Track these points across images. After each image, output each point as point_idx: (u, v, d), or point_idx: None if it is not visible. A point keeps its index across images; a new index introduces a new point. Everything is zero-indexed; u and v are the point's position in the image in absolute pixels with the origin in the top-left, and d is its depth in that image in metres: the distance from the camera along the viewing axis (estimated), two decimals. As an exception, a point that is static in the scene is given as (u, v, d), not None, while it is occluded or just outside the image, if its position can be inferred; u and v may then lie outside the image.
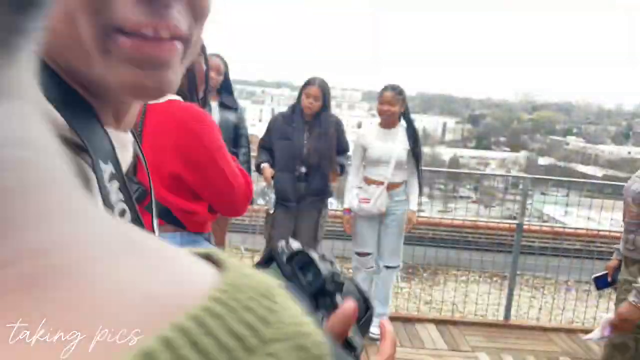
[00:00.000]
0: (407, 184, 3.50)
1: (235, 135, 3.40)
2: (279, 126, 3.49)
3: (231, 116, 3.38)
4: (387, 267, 3.58)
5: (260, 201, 3.42)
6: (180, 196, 1.55)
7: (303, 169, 3.44)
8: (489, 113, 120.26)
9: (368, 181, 3.48)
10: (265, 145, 3.53)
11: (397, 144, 3.42)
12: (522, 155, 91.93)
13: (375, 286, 3.68)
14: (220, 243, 3.53)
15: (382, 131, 3.50)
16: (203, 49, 1.82)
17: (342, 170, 3.61)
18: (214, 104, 3.32)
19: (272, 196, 3.39)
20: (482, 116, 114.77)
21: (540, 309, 4.62)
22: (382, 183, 3.40)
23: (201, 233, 1.66)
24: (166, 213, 1.52)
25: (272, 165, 3.47)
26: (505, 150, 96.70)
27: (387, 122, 3.47)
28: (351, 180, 3.59)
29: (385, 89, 3.42)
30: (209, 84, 3.03)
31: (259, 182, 3.66)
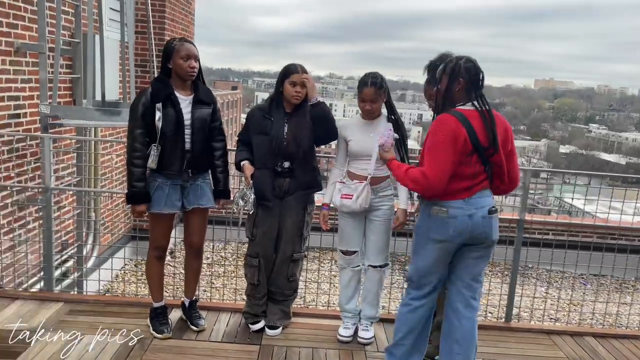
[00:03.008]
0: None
1: (210, 129, 3.17)
2: (257, 121, 3.24)
3: (205, 111, 3.13)
4: (373, 267, 3.31)
5: (241, 202, 3.18)
6: None
7: (286, 164, 3.20)
8: (509, 101, 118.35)
9: (351, 176, 3.23)
10: (244, 140, 3.30)
11: (378, 136, 3.14)
12: (542, 143, 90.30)
13: (363, 287, 3.43)
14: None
15: (363, 122, 3.23)
16: None
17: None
18: (187, 100, 3.07)
19: (252, 196, 3.18)
20: (502, 104, 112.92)
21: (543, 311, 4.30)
22: (365, 178, 3.14)
23: None
24: None
25: (252, 163, 3.24)
26: (525, 139, 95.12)
27: (371, 117, 3.21)
28: (334, 173, 3.34)
29: (365, 83, 3.09)
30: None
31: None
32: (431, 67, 2.89)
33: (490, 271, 6.99)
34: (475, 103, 2.53)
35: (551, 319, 5.83)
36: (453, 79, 2.54)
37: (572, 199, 4.58)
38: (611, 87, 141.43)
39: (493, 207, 2.62)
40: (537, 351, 3.46)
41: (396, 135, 2.96)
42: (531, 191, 3.91)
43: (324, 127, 3.20)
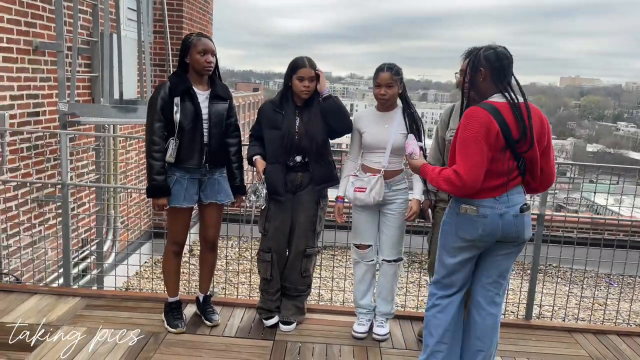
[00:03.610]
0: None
1: (226, 125, 3.16)
2: (268, 115, 3.22)
3: (222, 107, 3.14)
4: (387, 261, 3.26)
5: (253, 197, 3.16)
6: None
7: (299, 158, 3.17)
8: (534, 99, 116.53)
9: (365, 169, 3.19)
10: (257, 135, 3.28)
11: (393, 128, 3.10)
12: (569, 142, 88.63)
13: (377, 282, 3.38)
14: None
15: (377, 114, 3.18)
16: None
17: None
18: (204, 94, 3.08)
19: (264, 191, 3.16)
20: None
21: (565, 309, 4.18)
22: (378, 171, 3.10)
23: None
24: None
25: (264, 158, 3.22)
26: (551, 138, 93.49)
27: (384, 105, 3.16)
28: (348, 166, 3.30)
29: (381, 69, 3.09)
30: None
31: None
32: (467, 56, 2.73)
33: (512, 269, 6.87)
34: (506, 94, 2.37)
35: (575, 318, 5.69)
36: (475, 71, 2.41)
37: (594, 193, 4.42)
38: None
39: (525, 204, 2.47)
40: (558, 349, 3.36)
41: (421, 144, 2.81)
42: (551, 191, 3.78)
43: (337, 120, 3.14)
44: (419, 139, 3.07)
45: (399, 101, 3.17)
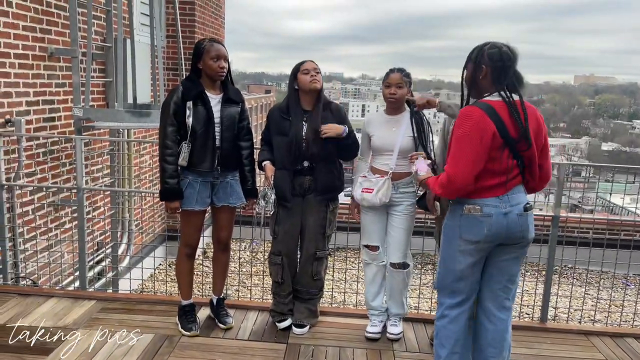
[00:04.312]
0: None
1: (238, 129, 3.19)
2: (276, 120, 3.24)
3: (234, 110, 3.17)
4: (393, 266, 3.27)
5: (262, 202, 3.18)
6: None
7: (306, 163, 3.18)
8: (548, 98, 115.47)
9: (373, 170, 3.23)
10: (267, 139, 3.30)
11: (401, 131, 3.13)
12: (583, 141, 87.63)
13: (387, 286, 3.38)
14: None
15: (386, 118, 3.23)
16: None
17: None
18: (216, 99, 3.10)
19: (273, 196, 3.17)
20: (540, 102, 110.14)
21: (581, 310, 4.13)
22: (386, 173, 3.14)
23: None
24: None
25: (274, 163, 3.24)
26: (565, 136, 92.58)
27: (393, 108, 3.20)
28: (360, 166, 3.36)
29: (392, 70, 3.18)
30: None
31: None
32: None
33: (525, 270, 6.80)
34: (502, 93, 2.34)
35: (591, 320, 5.62)
36: (476, 67, 2.38)
37: (610, 194, 4.36)
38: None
39: (528, 203, 2.44)
40: (573, 352, 3.32)
41: (429, 161, 2.79)
42: (565, 191, 3.74)
43: (348, 154, 3.30)
44: (426, 142, 3.08)
45: (406, 105, 3.19)
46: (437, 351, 2.61)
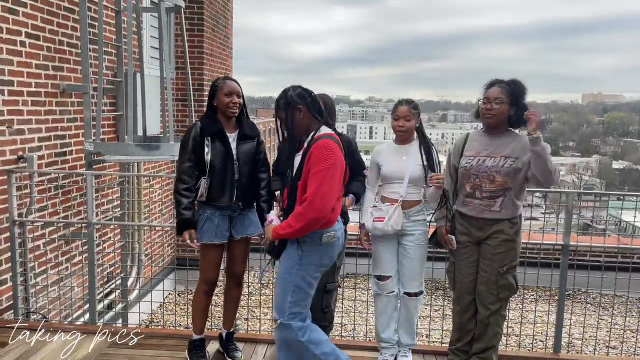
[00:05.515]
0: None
1: (254, 162, 3.24)
2: (286, 156, 3.26)
3: (250, 145, 3.21)
4: (407, 294, 3.26)
5: None
6: None
7: None
8: (556, 117, 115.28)
9: (384, 199, 3.26)
10: (278, 171, 3.33)
11: (411, 160, 3.17)
12: (594, 159, 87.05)
13: (399, 314, 3.36)
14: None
15: (396, 147, 3.28)
16: None
17: (357, 200, 3.34)
18: (232, 136, 3.15)
19: None
20: (548, 121, 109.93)
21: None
22: (396, 201, 3.16)
23: None
24: None
25: None
26: (575, 155, 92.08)
27: (403, 138, 3.25)
28: (368, 197, 3.36)
29: (400, 103, 3.25)
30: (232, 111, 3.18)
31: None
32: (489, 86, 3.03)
33: (539, 296, 6.72)
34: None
35: (606, 346, 5.52)
36: (294, 107, 2.78)
37: (621, 213, 4.33)
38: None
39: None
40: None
41: (277, 221, 2.89)
42: (575, 213, 3.73)
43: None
44: (435, 170, 3.12)
45: (416, 135, 3.23)
46: None
